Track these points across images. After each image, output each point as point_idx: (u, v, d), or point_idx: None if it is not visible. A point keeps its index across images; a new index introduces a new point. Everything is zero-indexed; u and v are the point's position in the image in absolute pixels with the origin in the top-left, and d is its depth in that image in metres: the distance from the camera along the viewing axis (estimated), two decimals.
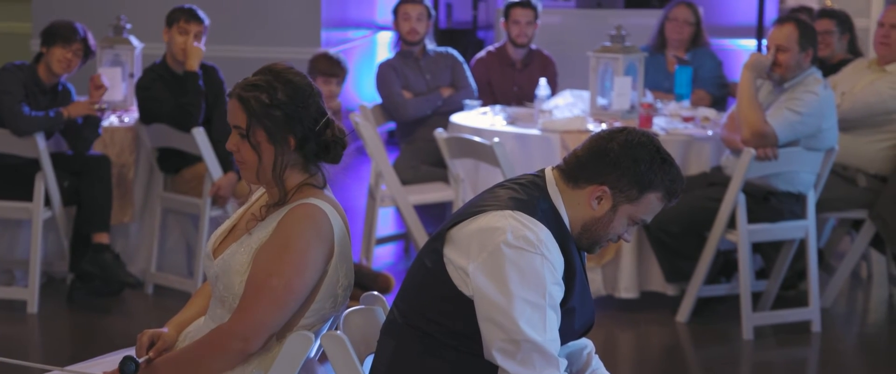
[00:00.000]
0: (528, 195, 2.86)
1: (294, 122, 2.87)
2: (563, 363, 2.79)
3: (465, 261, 2.78)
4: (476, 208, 2.85)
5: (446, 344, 2.83)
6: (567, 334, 2.86)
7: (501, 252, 2.74)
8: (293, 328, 2.90)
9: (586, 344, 3.07)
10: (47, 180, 5.67)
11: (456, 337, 2.82)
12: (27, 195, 5.67)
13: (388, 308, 3.01)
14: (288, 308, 2.85)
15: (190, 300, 3.13)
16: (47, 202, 5.73)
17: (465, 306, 2.78)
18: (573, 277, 2.86)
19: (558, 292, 2.79)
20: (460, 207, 2.97)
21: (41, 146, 5.61)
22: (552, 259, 2.78)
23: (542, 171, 2.94)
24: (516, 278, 2.73)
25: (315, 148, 2.92)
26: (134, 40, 6.57)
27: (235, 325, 2.83)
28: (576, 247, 2.92)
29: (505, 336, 2.73)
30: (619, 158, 2.84)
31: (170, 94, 5.92)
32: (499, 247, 2.74)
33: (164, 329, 3.01)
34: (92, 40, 5.81)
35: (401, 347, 2.88)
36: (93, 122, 5.77)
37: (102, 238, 5.76)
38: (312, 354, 2.96)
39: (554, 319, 2.77)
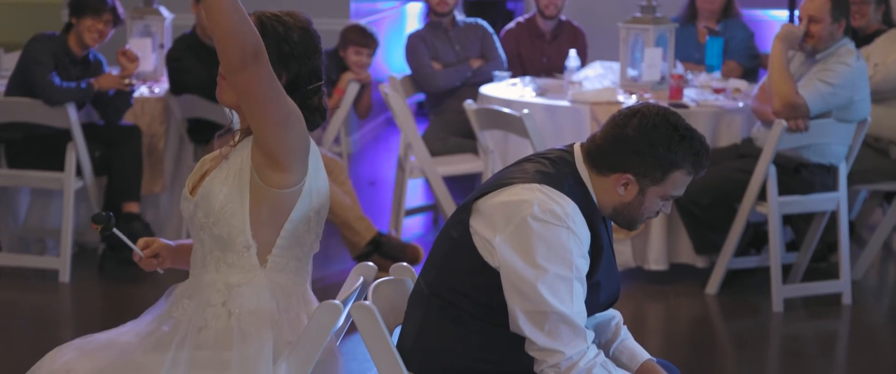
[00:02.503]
0: (556, 170, 2.85)
1: (293, 63, 2.93)
2: (591, 334, 2.79)
3: (491, 233, 2.78)
4: (503, 180, 2.85)
5: (473, 315, 2.84)
6: (592, 307, 2.87)
7: (528, 225, 2.75)
8: (272, 246, 2.92)
9: (614, 315, 3.07)
10: (79, 151, 5.70)
11: (482, 308, 2.83)
12: (59, 165, 5.71)
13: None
14: (276, 91, 2.81)
15: None
16: (79, 172, 5.77)
17: (491, 278, 2.79)
18: (599, 251, 2.86)
19: (584, 264, 2.80)
20: (487, 179, 2.97)
21: (72, 117, 5.64)
22: (578, 233, 2.78)
23: (571, 146, 2.94)
24: (543, 250, 2.73)
25: (299, 101, 2.94)
26: (164, 11, 6.58)
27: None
28: (606, 221, 2.92)
29: (532, 308, 2.74)
30: (636, 145, 2.82)
31: (200, 64, 5.94)
32: (525, 220, 2.75)
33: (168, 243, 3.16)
34: (120, 8, 5.83)
35: (428, 317, 2.89)
36: (124, 93, 5.80)
37: (132, 208, 5.80)
38: (340, 323, 2.97)
39: (580, 291, 2.78)
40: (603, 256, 2.87)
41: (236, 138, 3.00)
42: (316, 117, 2.99)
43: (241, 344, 2.87)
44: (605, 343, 3.04)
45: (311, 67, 2.96)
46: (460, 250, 2.83)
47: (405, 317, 2.98)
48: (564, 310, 2.73)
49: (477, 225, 2.81)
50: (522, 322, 2.75)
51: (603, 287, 2.90)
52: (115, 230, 3.07)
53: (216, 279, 2.95)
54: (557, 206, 2.76)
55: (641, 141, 2.82)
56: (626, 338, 3.05)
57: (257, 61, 2.74)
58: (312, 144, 2.95)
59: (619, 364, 2.99)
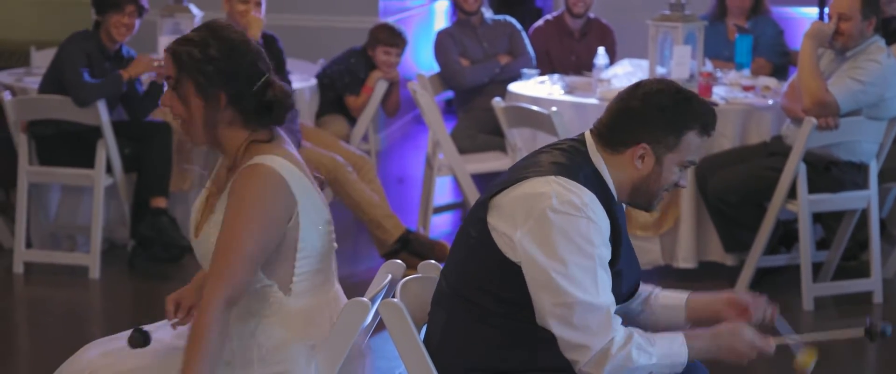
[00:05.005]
0: (569, 160, 2.85)
1: (225, 78, 2.86)
2: (617, 319, 2.78)
3: (510, 228, 2.78)
4: (518, 175, 2.85)
5: (496, 312, 2.83)
6: (616, 297, 2.85)
7: (547, 218, 2.74)
8: (292, 276, 2.90)
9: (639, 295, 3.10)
10: (109, 148, 5.73)
11: (505, 305, 2.82)
12: (89, 162, 5.74)
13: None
14: (259, 262, 2.83)
15: None
16: (109, 169, 5.80)
17: (513, 273, 2.78)
18: (619, 239, 2.85)
19: (607, 252, 2.79)
20: (502, 174, 2.98)
21: (103, 114, 5.67)
22: (599, 221, 2.77)
23: (582, 135, 2.94)
24: (564, 242, 2.73)
25: (254, 106, 2.88)
26: (194, 9, 6.60)
27: (215, 292, 2.78)
28: (626, 208, 2.92)
29: (557, 301, 2.73)
30: (644, 113, 2.84)
31: None
32: (545, 213, 2.74)
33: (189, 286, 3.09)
34: None
35: (452, 318, 2.89)
36: (155, 91, 5.82)
37: (160, 203, 5.83)
38: (368, 321, 2.97)
39: (606, 279, 2.77)
40: (622, 243, 2.87)
41: (221, 181, 2.96)
42: (280, 110, 2.91)
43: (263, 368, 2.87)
44: (643, 301, 3.05)
45: (246, 71, 2.87)
46: (480, 248, 2.83)
47: (429, 318, 2.98)
48: (590, 299, 2.72)
49: (495, 222, 2.81)
50: (549, 317, 2.74)
51: (625, 276, 2.90)
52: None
53: (245, 313, 2.91)
54: (575, 196, 2.76)
55: (648, 108, 2.84)
56: (661, 293, 3.09)
57: (234, 301, 2.80)
58: (292, 169, 2.86)
59: (666, 307, 3.03)
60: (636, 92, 2.87)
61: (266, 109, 2.90)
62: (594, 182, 2.83)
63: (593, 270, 2.74)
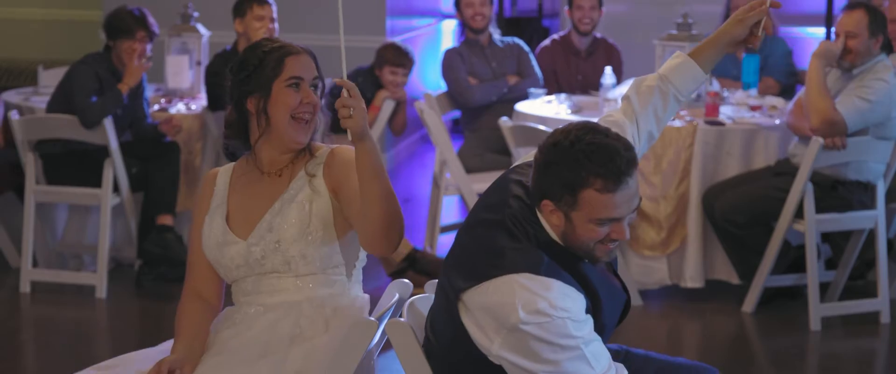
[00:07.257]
0: (525, 239, 2.67)
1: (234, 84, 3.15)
2: (623, 371, 2.74)
3: (487, 342, 2.67)
4: (481, 269, 2.67)
5: None
6: (603, 337, 2.79)
7: (520, 331, 2.61)
8: (355, 261, 3.07)
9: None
10: (116, 167, 5.74)
11: None
12: (97, 181, 5.75)
13: (424, 331, 2.94)
14: None
15: (177, 335, 3.04)
16: (116, 189, 5.81)
17: (500, 369, 2.72)
18: (597, 298, 2.72)
19: (589, 327, 2.67)
20: (462, 243, 2.83)
21: (110, 134, 5.68)
22: (573, 311, 2.63)
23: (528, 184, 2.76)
24: (545, 348, 2.62)
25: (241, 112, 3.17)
26: (201, 28, 6.62)
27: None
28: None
29: None
30: (542, 167, 2.66)
31: None
32: (516, 327, 2.61)
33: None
34: (152, 22, 5.88)
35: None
36: (158, 135, 5.91)
37: (166, 220, 5.83)
38: (375, 341, 2.97)
39: (597, 347, 2.67)
40: (602, 297, 2.74)
41: (284, 173, 3.05)
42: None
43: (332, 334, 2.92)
44: (661, 97, 3.15)
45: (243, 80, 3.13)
46: (463, 344, 2.74)
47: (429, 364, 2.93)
48: None
49: (470, 327, 2.71)
50: None
51: (607, 326, 2.80)
52: None
53: (312, 295, 2.98)
54: (541, 300, 2.60)
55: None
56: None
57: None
58: None
59: (681, 77, 3.11)
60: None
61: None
62: (552, 254, 2.66)
63: (582, 354, 2.63)
